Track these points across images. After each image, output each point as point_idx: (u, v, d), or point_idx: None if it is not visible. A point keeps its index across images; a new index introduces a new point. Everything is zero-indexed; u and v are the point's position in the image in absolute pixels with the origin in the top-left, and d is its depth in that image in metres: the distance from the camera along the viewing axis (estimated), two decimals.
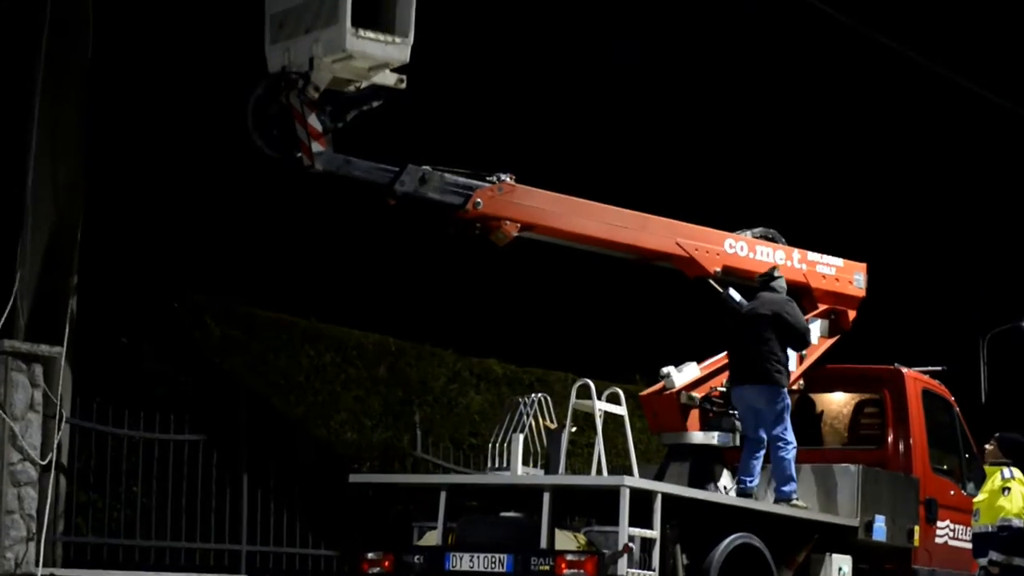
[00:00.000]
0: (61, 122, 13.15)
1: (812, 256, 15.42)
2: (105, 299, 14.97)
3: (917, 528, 15.01)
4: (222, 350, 16.60)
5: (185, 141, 21.47)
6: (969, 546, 15.18)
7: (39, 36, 13.03)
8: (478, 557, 12.17)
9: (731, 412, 14.31)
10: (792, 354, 14.23)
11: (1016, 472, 14.04)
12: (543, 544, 11.87)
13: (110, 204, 17.41)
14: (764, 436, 13.88)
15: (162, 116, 21.20)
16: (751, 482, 13.87)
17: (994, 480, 14.07)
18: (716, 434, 14.25)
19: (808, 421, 15.53)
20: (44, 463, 13.06)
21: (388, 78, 11.98)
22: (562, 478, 12.94)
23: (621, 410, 13.65)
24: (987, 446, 14.36)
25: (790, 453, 13.82)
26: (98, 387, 14.23)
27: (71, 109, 13.25)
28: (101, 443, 14.28)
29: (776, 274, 14.28)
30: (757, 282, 14.32)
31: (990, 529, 14.23)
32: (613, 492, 11.74)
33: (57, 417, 13.20)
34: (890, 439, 15.35)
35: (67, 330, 13.26)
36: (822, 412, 15.93)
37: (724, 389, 14.41)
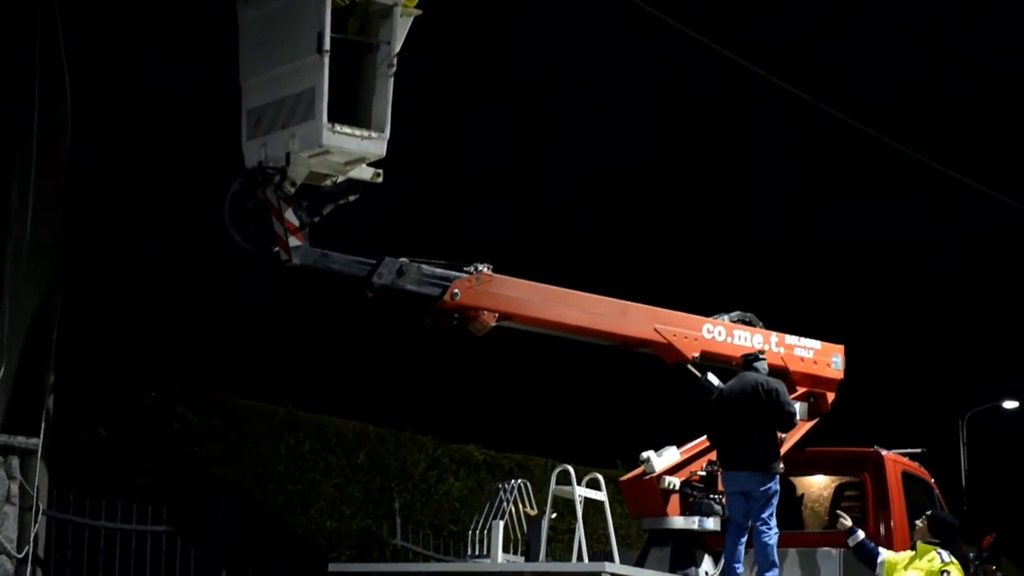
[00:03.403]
0: (40, 218, 13.17)
1: (790, 339, 15.47)
2: (83, 389, 14.93)
3: None
4: (200, 439, 16.56)
5: (163, 233, 21.56)
6: None
7: (17, 133, 13.08)
8: None
9: (712, 496, 14.28)
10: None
11: (951, 557, 13.93)
12: None
13: (89, 294, 17.42)
14: (749, 521, 13.84)
15: (139, 207, 21.30)
16: (739, 568, 13.81)
17: (932, 561, 13.85)
18: (697, 519, 14.20)
19: (788, 504, 15.46)
20: (20, 556, 12.94)
21: (365, 172, 12.04)
22: (542, 565, 12.89)
23: (601, 496, 13.62)
24: (918, 523, 14.35)
25: (773, 538, 13.77)
26: (76, 478, 14.17)
27: (51, 205, 13.27)
28: (78, 535, 14.18)
29: (761, 356, 14.30)
30: (740, 361, 14.33)
31: None
32: None
33: (34, 509, 13.10)
34: (871, 522, 15.30)
35: (43, 423, 13.19)
36: (802, 495, 15.89)
37: (704, 473, 14.39)
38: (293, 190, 11.85)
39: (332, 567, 13.85)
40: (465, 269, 13.01)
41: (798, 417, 14.84)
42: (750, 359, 14.20)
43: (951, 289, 39.70)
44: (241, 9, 12.24)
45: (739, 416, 13.81)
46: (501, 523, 13.00)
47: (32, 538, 13.05)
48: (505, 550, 13.06)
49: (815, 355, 15.62)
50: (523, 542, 13.43)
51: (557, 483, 13.46)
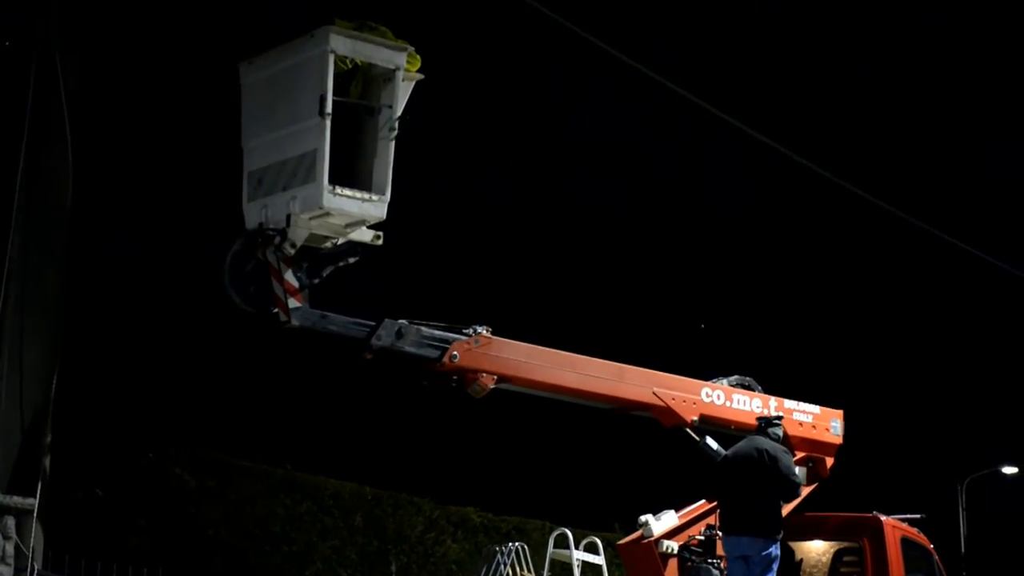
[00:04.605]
0: (40, 277, 13.19)
1: (788, 404, 15.44)
2: (80, 450, 14.90)
3: None
4: (197, 500, 16.51)
5: (163, 294, 21.57)
6: None
7: (18, 189, 13.10)
8: None
9: (710, 561, 14.21)
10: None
11: None
12: None
13: (87, 354, 17.41)
14: None
15: (139, 267, 21.32)
16: None
17: None
18: None
19: (787, 569, 15.39)
20: None
21: (365, 235, 12.07)
22: None
23: (599, 559, 13.60)
24: None
25: None
26: (71, 539, 14.11)
27: (51, 263, 13.29)
28: None
29: (776, 421, 14.26)
30: (757, 424, 14.28)
31: None
32: None
33: (29, 569, 13.04)
34: None
35: (40, 483, 13.15)
36: (801, 560, 15.81)
37: (703, 537, 14.34)
38: (293, 251, 11.87)
39: None
40: (464, 331, 13.00)
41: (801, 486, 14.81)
42: (764, 423, 14.14)
43: (950, 354, 39.72)
44: (243, 71, 12.31)
45: (742, 481, 13.76)
46: None
47: None
48: None
49: (814, 420, 15.60)
50: None
51: (555, 546, 13.43)
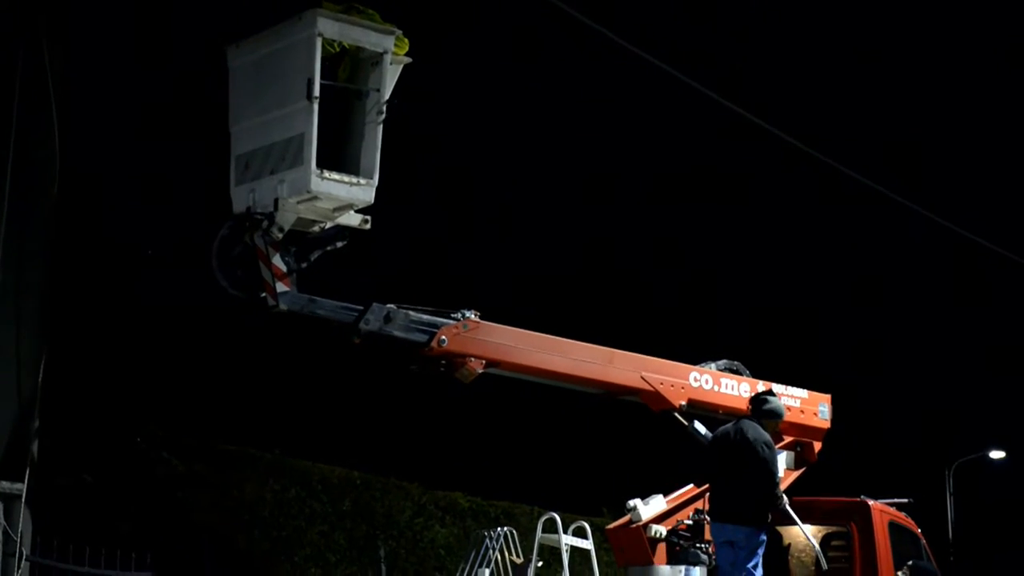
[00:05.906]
0: (26, 261, 13.13)
1: (776, 388, 15.45)
2: (68, 435, 14.88)
3: None
4: (185, 485, 16.51)
5: (150, 279, 21.58)
6: None
7: (2, 173, 13.04)
8: None
9: (698, 545, 14.24)
10: None
11: None
12: None
13: (75, 339, 17.39)
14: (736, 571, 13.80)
15: (126, 251, 21.31)
16: None
17: None
18: (683, 568, 14.15)
19: (775, 554, 15.43)
20: None
21: (353, 219, 12.05)
22: None
23: (588, 544, 13.59)
24: (899, 573, 14.40)
25: None
26: (60, 524, 14.08)
27: (37, 248, 13.24)
28: None
29: (770, 396, 14.21)
30: (750, 406, 14.24)
31: None
32: None
33: (17, 555, 13.01)
34: (857, 572, 15.26)
35: (28, 468, 13.13)
36: (789, 545, 15.86)
37: (691, 522, 14.36)
38: (281, 236, 11.84)
39: None
40: (452, 316, 12.99)
41: (781, 468, 14.80)
42: (756, 403, 14.05)
43: (940, 338, 39.91)
44: (231, 54, 12.27)
45: (729, 467, 13.77)
46: (487, 571, 12.98)
47: None
48: None
49: (802, 404, 15.63)
50: None
51: (543, 531, 13.43)
